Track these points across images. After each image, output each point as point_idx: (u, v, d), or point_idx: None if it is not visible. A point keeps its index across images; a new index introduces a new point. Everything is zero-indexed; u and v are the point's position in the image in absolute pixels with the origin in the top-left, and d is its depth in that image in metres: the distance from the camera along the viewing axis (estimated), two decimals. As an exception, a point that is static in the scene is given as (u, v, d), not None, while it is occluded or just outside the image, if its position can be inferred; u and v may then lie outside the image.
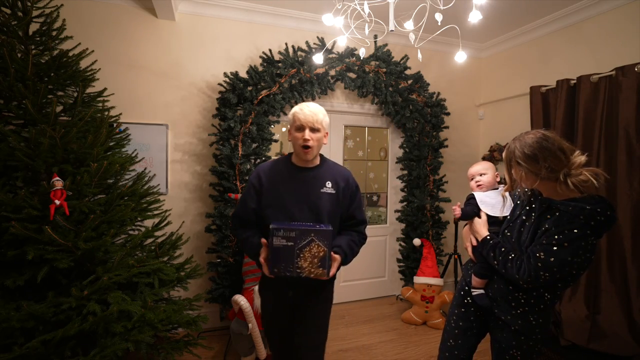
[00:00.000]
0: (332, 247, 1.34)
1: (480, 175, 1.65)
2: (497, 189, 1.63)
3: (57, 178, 1.62)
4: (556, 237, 1.19)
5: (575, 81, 2.74)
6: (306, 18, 3.11)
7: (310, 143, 1.43)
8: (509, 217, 1.47)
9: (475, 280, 1.47)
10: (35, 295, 1.62)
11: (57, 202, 1.57)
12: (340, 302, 3.48)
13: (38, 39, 1.87)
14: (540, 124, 2.97)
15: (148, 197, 2.10)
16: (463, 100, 3.79)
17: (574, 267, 1.19)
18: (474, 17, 1.79)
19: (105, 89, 2.11)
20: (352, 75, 3.14)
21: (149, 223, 2.17)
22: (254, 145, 2.82)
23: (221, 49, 2.97)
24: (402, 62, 3.24)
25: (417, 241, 3.28)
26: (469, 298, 1.54)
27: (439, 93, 3.41)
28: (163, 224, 2.07)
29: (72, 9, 2.51)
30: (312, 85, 2.95)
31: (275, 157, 1.54)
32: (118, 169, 1.88)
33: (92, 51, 2.07)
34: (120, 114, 2.29)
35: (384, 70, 3.20)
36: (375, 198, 3.81)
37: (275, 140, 2.99)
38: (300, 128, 1.44)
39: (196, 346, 1.91)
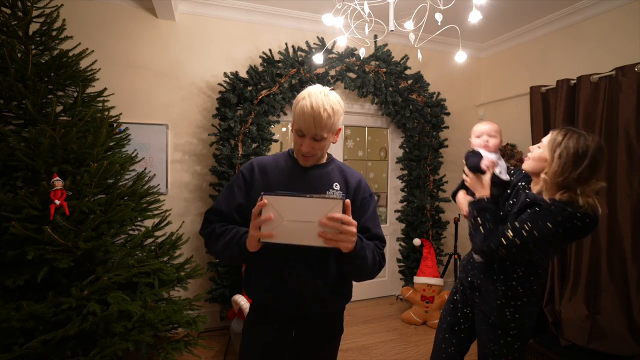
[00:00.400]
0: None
1: (490, 136, 1.56)
2: (497, 153, 1.57)
3: (57, 178, 1.62)
4: (529, 223, 1.24)
5: (575, 81, 2.74)
6: (306, 18, 3.11)
7: (310, 153, 1.13)
8: (509, 192, 1.48)
9: (462, 199, 1.55)
10: (35, 295, 1.62)
11: (57, 202, 1.57)
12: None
13: (38, 39, 1.87)
14: (540, 124, 2.97)
15: (148, 197, 2.10)
16: (463, 100, 3.79)
17: (533, 255, 1.29)
18: (474, 17, 1.79)
19: (105, 89, 2.11)
20: (352, 75, 3.14)
21: (149, 223, 2.17)
22: (254, 145, 2.82)
23: (221, 49, 2.96)
24: (402, 62, 3.24)
25: (417, 241, 3.28)
26: (457, 295, 1.60)
27: (439, 93, 3.41)
28: (163, 224, 2.07)
29: (72, 9, 2.51)
30: (312, 85, 2.95)
31: (276, 153, 1.29)
32: (118, 169, 1.88)
33: (92, 51, 2.07)
34: (120, 114, 2.29)
35: (384, 70, 3.20)
36: (375, 198, 3.81)
37: (275, 140, 2.99)
38: (301, 133, 1.11)
39: (196, 346, 1.91)
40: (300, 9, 3.04)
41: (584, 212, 1.20)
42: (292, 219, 0.94)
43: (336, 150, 3.43)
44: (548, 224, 1.21)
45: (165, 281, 1.94)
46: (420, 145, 3.36)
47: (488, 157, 1.50)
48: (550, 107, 2.93)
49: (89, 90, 2.05)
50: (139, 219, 2.03)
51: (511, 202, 1.43)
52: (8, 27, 1.76)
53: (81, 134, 1.82)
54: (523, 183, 1.45)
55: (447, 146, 3.45)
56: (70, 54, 1.92)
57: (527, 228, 1.25)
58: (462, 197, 1.60)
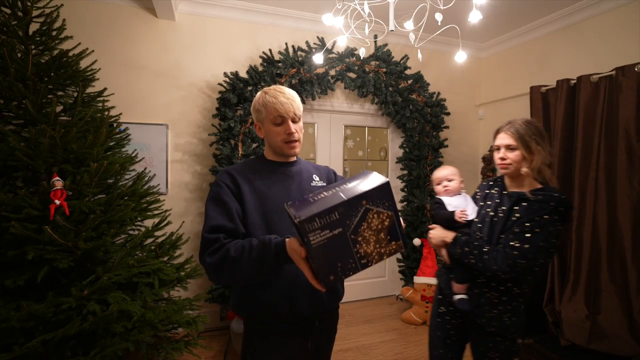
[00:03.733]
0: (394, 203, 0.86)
1: (449, 180, 1.64)
2: (461, 194, 1.63)
3: (57, 178, 1.62)
4: (528, 224, 1.26)
5: (575, 81, 2.74)
6: (306, 18, 3.11)
7: (296, 135, 1.15)
8: (475, 219, 1.48)
9: (456, 287, 1.46)
10: (35, 295, 1.62)
11: (57, 202, 1.57)
12: (340, 302, 3.47)
13: (38, 38, 1.87)
14: (540, 124, 2.96)
15: (148, 197, 2.10)
16: (463, 100, 3.79)
17: (544, 253, 1.25)
18: (474, 17, 1.79)
19: (105, 88, 2.11)
20: (352, 75, 3.14)
21: (149, 223, 2.17)
22: (254, 145, 2.82)
23: (221, 49, 2.96)
24: (402, 62, 3.24)
25: (417, 241, 3.28)
26: (442, 307, 1.55)
27: (439, 93, 3.41)
28: (163, 224, 2.07)
29: (72, 8, 2.51)
30: (312, 85, 2.95)
31: (243, 161, 1.27)
32: (118, 169, 1.88)
33: (92, 51, 2.07)
34: (120, 114, 2.29)
35: (384, 70, 3.20)
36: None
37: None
38: (280, 121, 1.13)
39: (196, 346, 1.91)
40: (300, 9, 3.04)
41: (561, 192, 1.29)
42: None
43: (336, 150, 3.44)
44: (545, 216, 1.24)
45: (165, 281, 1.94)
46: (420, 145, 3.36)
47: (451, 204, 1.56)
48: (550, 107, 2.93)
49: (89, 90, 2.05)
50: (139, 219, 2.03)
51: (491, 213, 1.40)
52: (8, 27, 1.76)
53: (81, 134, 1.82)
54: (496, 189, 1.46)
55: (447, 146, 3.45)
56: (70, 54, 1.92)
57: (527, 230, 1.25)
58: (440, 231, 1.52)
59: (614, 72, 2.49)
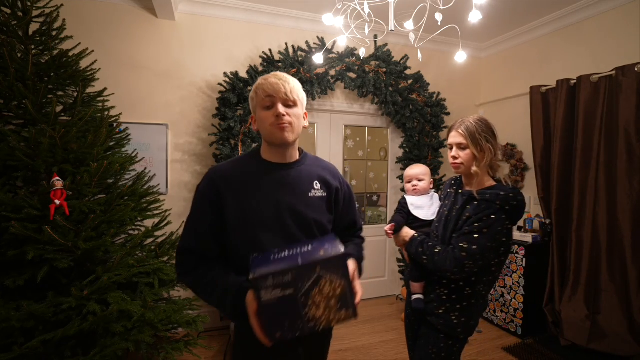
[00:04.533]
0: (346, 272, 0.85)
1: (419, 180, 1.66)
2: (429, 193, 1.67)
3: (57, 178, 1.62)
4: (476, 224, 1.26)
5: (575, 81, 2.74)
6: (306, 18, 3.11)
7: (287, 118, 0.99)
8: (435, 218, 1.51)
9: (413, 286, 1.48)
10: (35, 295, 1.62)
11: (57, 202, 1.57)
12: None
13: (38, 38, 1.87)
14: (540, 124, 2.97)
15: (148, 197, 2.10)
16: (463, 100, 3.79)
17: (492, 252, 1.26)
18: (474, 17, 1.79)
19: (105, 88, 2.11)
20: (352, 75, 3.14)
21: (149, 223, 2.17)
22: (254, 145, 2.82)
23: (221, 49, 2.96)
24: (402, 62, 3.24)
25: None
26: (409, 309, 1.58)
27: (439, 93, 3.41)
28: (163, 224, 2.07)
29: (72, 9, 2.51)
30: (312, 85, 2.95)
31: (236, 157, 1.12)
32: (118, 169, 1.88)
33: (92, 51, 2.07)
34: (120, 114, 2.29)
35: (384, 70, 3.19)
36: (375, 198, 3.81)
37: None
38: (269, 103, 1.00)
39: (196, 346, 1.91)
40: (300, 9, 3.04)
41: (512, 189, 1.27)
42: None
43: (336, 150, 3.43)
44: (492, 216, 1.24)
45: (166, 281, 1.94)
46: (420, 145, 3.36)
47: (414, 204, 1.60)
48: (550, 107, 2.93)
49: (89, 90, 2.05)
50: (139, 218, 2.03)
51: (446, 212, 1.42)
52: (8, 27, 1.76)
53: (81, 134, 1.82)
54: (455, 187, 1.47)
55: (447, 146, 3.44)
56: (70, 53, 1.92)
57: (475, 230, 1.25)
58: (403, 231, 1.57)
59: (614, 72, 2.49)
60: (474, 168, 1.31)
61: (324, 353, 1.21)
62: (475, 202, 1.29)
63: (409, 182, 1.69)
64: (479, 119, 1.34)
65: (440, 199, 1.58)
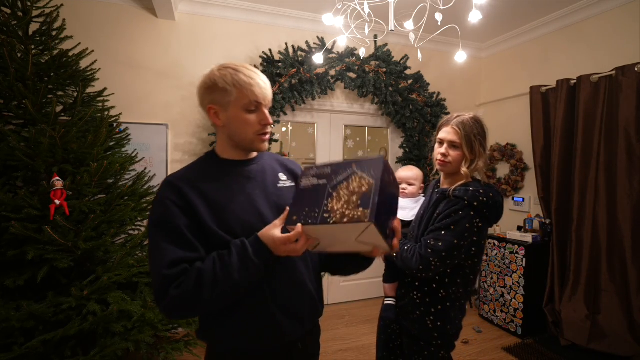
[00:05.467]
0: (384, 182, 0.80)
1: (409, 184, 1.61)
2: (416, 198, 1.63)
3: (57, 178, 1.62)
4: (444, 220, 1.21)
5: (575, 81, 2.74)
6: (306, 18, 3.11)
7: (269, 128, 0.97)
8: (413, 218, 1.48)
9: (385, 287, 1.43)
10: (35, 295, 1.62)
11: (57, 202, 1.57)
12: (340, 302, 3.48)
13: (38, 38, 1.87)
14: (540, 124, 2.97)
15: (148, 197, 2.10)
16: (463, 100, 3.79)
17: (461, 251, 1.20)
18: (474, 17, 1.79)
19: (105, 88, 2.11)
20: (352, 75, 3.14)
21: (149, 223, 2.17)
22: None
23: (221, 49, 2.96)
24: (402, 62, 3.24)
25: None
26: (384, 311, 1.53)
27: (439, 93, 3.41)
28: (163, 224, 2.07)
29: (72, 9, 2.51)
30: (312, 85, 2.95)
31: (189, 165, 1.00)
32: (118, 169, 1.88)
33: (92, 51, 2.07)
34: (120, 113, 2.29)
35: (384, 70, 3.19)
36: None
37: (276, 140, 2.99)
38: (254, 107, 0.92)
39: (196, 346, 1.91)
40: (300, 9, 3.04)
41: (485, 186, 1.22)
42: (328, 240, 0.85)
43: (336, 150, 3.43)
44: (459, 212, 1.19)
45: (165, 281, 1.94)
46: (420, 145, 3.36)
47: (401, 202, 1.54)
48: (550, 107, 2.93)
49: (89, 90, 2.05)
50: (139, 218, 2.03)
51: (422, 211, 1.39)
52: (8, 27, 1.76)
53: (81, 134, 1.82)
54: (434, 187, 1.43)
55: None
56: (70, 53, 1.92)
57: (442, 227, 1.20)
58: None
59: (614, 72, 2.49)
60: (464, 169, 1.24)
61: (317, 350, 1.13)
62: (446, 200, 1.25)
63: (399, 183, 1.65)
64: (475, 118, 1.27)
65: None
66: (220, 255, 0.84)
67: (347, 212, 0.77)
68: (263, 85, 0.92)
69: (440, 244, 1.18)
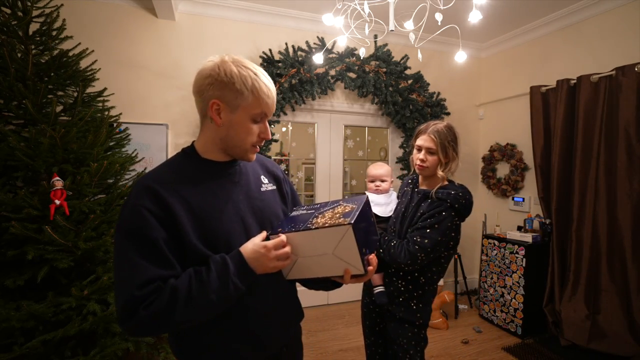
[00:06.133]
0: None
1: (382, 180, 1.74)
2: (388, 192, 1.75)
3: (57, 178, 1.62)
4: (429, 220, 1.38)
5: (575, 81, 2.74)
6: (306, 18, 3.11)
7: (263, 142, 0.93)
8: (392, 214, 1.63)
9: (374, 278, 1.55)
10: (35, 295, 1.62)
11: (57, 202, 1.57)
12: (340, 302, 3.48)
13: (38, 38, 1.87)
14: (540, 124, 2.97)
15: (148, 197, 2.10)
16: (463, 100, 3.79)
17: (443, 246, 1.38)
18: (474, 17, 1.79)
19: (105, 88, 2.11)
20: (352, 75, 3.14)
21: (149, 223, 2.16)
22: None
23: (221, 49, 2.96)
24: (402, 62, 3.24)
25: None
26: (367, 297, 1.66)
27: (439, 93, 3.41)
28: (163, 224, 2.07)
29: (72, 9, 2.51)
30: (312, 85, 2.95)
31: (163, 164, 0.91)
32: (118, 169, 1.88)
33: (92, 51, 2.07)
34: (120, 113, 2.29)
35: (384, 70, 3.20)
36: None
37: (276, 140, 2.99)
38: (260, 118, 0.87)
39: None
40: (300, 9, 3.04)
41: (462, 188, 1.41)
42: (307, 255, 0.86)
43: (336, 150, 3.43)
44: (443, 213, 1.37)
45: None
46: (420, 145, 3.36)
47: (374, 201, 1.67)
48: (550, 107, 2.93)
49: (89, 90, 2.05)
50: (139, 218, 2.02)
51: (403, 209, 1.53)
52: (8, 27, 1.76)
53: (81, 134, 1.82)
54: (411, 186, 1.57)
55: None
56: (70, 53, 1.92)
57: (427, 226, 1.37)
58: None
59: (614, 72, 2.49)
60: (440, 173, 1.42)
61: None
62: (429, 200, 1.42)
63: (372, 181, 1.75)
64: (448, 126, 1.45)
65: (398, 197, 1.69)
66: (197, 272, 0.76)
67: (329, 222, 0.82)
68: (274, 98, 0.89)
69: (426, 241, 1.36)
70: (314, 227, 0.82)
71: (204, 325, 0.83)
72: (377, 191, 1.73)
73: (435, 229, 1.36)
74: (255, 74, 0.85)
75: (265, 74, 0.88)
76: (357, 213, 0.82)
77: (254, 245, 0.81)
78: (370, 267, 0.88)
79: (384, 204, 1.69)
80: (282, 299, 0.95)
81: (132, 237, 0.76)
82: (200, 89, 0.85)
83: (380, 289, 1.53)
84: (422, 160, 1.45)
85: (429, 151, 1.43)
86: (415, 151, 1.50)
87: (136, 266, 0.73)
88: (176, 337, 0.88)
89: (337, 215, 0.84)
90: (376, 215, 1.64)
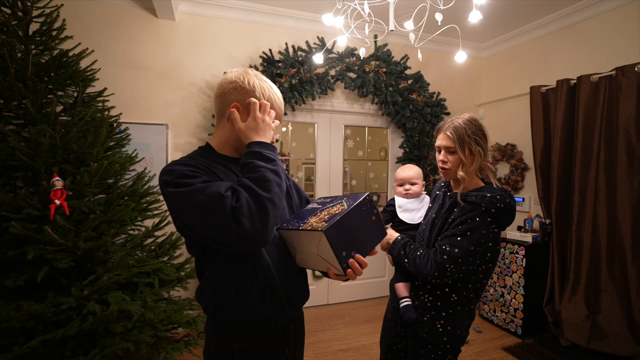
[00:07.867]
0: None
1: (411, 184, 1.59)
2: (420, 197, 1.61)
3: (57, 178, 1.62)
4: (460, 226, 1.19)
5: (575, 81, 2.74)
6: (306, 18, 3.11)
7: None
8: (423, 221, 1.45)
9: (398, 287, 1.40)
10: (35, 295, 1.62)
11: (57, 202, 1.57)
12: (340, 302, 3.48)
13: (38, 38, 1.87)
14: (540, 124, 2.97)
15: (148, 197, 2.10)
16: (463, 100, 3.79)
17: (477, 257, 1.18)
18: (474, 17, 1.79)
19: (105, 88, 2.11)
20: (352, 75, 3.14)
21: (149, 223, 2.17)
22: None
23: (221, 49, 2.96)
24: (402, 62, 3.24)
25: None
26: (390, 314, 1.50)
27: (439, 93, 3.41)
28: (163, 224, 2.07)
29: (72, 9, 2.51)
30: (312, 85, 2.95)
31: (188, 156, 0.98)
32: (118, 169, 1.88)
33: (92, 51, 2.07)
34: (120, 113, 2.29)
35: (384, 70, 3.20)
36: (375, 198, 3.81)
37: (276, 140, 2.98)
38: (274, 118, 1.00)
39: (196, 346, 1.91)
40: (300, 9, 3.04)
41: (500, 191, 1.20)
42: (301, 250, 0.95)
43: (336, 150, 3.43)
44: (476, 218, 1.17)
45: (165, 281, 1.94)
46: (420, 145, 3.36)
47: (402, 205, 1.56)
48: (550, 107, 2.93)
49: (89, 90, 2.05)
50: (139, 218, 2.03)
51: (434, 215, 1.36)
52: (8, 27, 1.76)
53: (81, 134, 1.82)
54: (444, 190, 1.40)
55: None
56: (71, 53, 1.92)
57: (458, 233, 1.18)
58: (390, 233, 1.46)
59: (614, 72, 2.49)
60: (460, 173, 1.23)
61: (302, 354, 1.17)
62: (461, 205, 1.23)
63: (401, 185, 1.61)
64: (468, 119, 1.25)
65: (431, 202, 1.51)
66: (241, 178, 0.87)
67: (313, 225, 0.88)
68: (283, 109, 1.03)
69: (456, 250, 1.17)
70: (301, 228, 0.89)
71: (234, 288, 0.93)
72: (408, 195, 1.58)
73: (467, 237, 1.16)
74: (270, 87, 0.99)
75: (277, 89, 1.02)
76: (341, 217, 0.86)
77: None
78: (350, 270, 0.88)
79: (414, 210, 1.54)
80: (296, 278, 1.03)
81: (189, 176, 0.84)
82: (223, 91, 0.96)
83: (406, 301, 1.35)
84: (443, 162, 1.27)
85: (448, 150, 1.25)
86: (436, 153, 1.33)
87: (206, 186, 0.81)
88: (208, 295, 1.01)
89: (325, 218, 0.89)
90: (404, 222, 1.52)
